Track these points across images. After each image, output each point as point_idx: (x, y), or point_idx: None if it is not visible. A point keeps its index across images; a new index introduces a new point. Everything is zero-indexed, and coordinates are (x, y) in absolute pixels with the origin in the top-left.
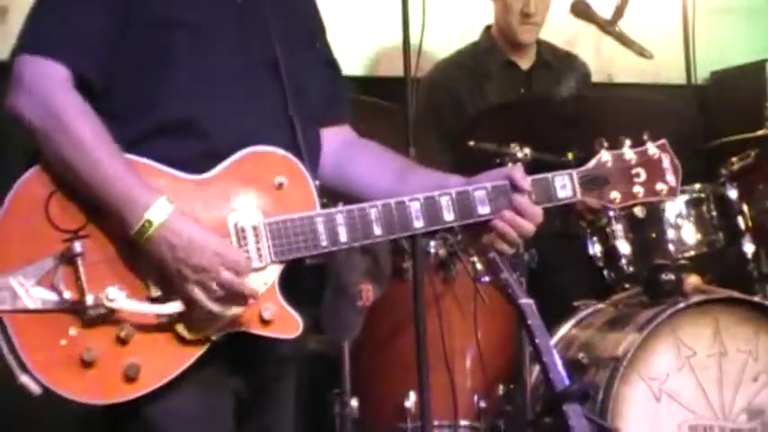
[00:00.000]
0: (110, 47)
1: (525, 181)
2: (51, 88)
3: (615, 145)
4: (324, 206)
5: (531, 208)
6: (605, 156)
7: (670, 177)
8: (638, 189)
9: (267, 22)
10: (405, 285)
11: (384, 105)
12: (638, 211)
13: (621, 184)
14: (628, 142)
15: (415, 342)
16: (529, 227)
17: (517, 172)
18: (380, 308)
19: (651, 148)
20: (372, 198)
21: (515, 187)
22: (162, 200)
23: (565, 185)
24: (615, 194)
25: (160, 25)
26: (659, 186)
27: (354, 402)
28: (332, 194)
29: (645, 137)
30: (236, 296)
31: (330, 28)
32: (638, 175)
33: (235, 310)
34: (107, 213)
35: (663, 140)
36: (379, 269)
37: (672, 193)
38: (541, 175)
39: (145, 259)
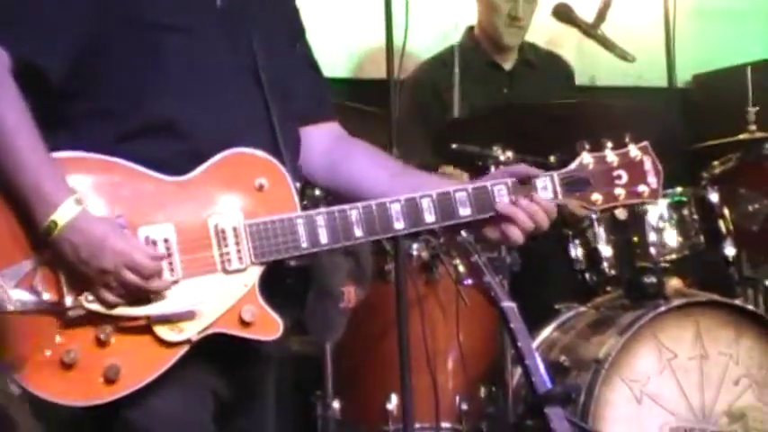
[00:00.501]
0: (72, 37)
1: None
2: None
3: (597, 147)
4: (305, 208)
5: (544, 201)
6: (587, 158)
7: (652, 179)
8: (619, 191)
9: (247, 25)
10: (387, 287)
11: (366, 110)
12: (620, 213)
13: (603, 186)
14: (609, 144)
15: (398, 344)
16: (543, 217)
17: (522, 169)
18: (363, 310)
19: (633, 150)
20: (367, 197)
21: (523, 181)
22: (70, 201)
23: (546, 187)
24: (597, 196)
25: (145, 26)
26: (641, 188)
27: (337, 404)
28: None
29: (626, 139)
30: (144, 295)
31: (313, 30)
32: (619, 177)
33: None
34: (19, 204)
35: (645, 143)
36: (362, 271)
37: (653, 195)
38: (524, 176)
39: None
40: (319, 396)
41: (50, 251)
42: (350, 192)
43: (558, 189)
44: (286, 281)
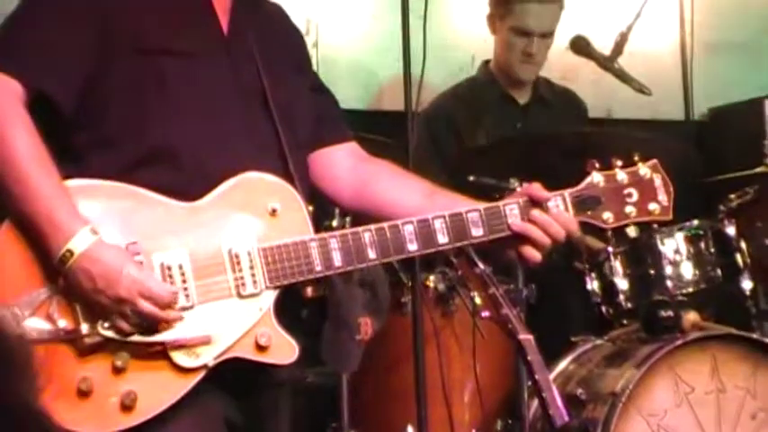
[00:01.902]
0: (81, 67)
1: (542, 193)
2: None
3: (606, 166)
4: (311, 214)
5: (562, 215)
6: (597, 177)
7: (662, 197)
8: (630, 209)
9: (254, 54)
10: (404, 319)
11: (382, 141)
12: (631, 231)
13: (614, 204)
14: (619, 163)
15: (414, 376)
16: (558, 230)
17: (534, 188)
18: (380, 341)
19: (642, 168)
20: (398, 217)
21: (535, 200)
22: (85, 230)
23: (558, 206)
24: (608, 215)
25: (152, 54)
26: (652, 206)
27: None
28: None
29: (636, 157)
30: (159, 323)
31: (332, 62)
32: (630, 195)
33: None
34: (32, 232)
35: (654, 160)
36: (379, 303)
37: (665, 212)
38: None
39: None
40: (335, 428)
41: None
42: (381, 213)
43: (570, 208)
44: (302, 312)
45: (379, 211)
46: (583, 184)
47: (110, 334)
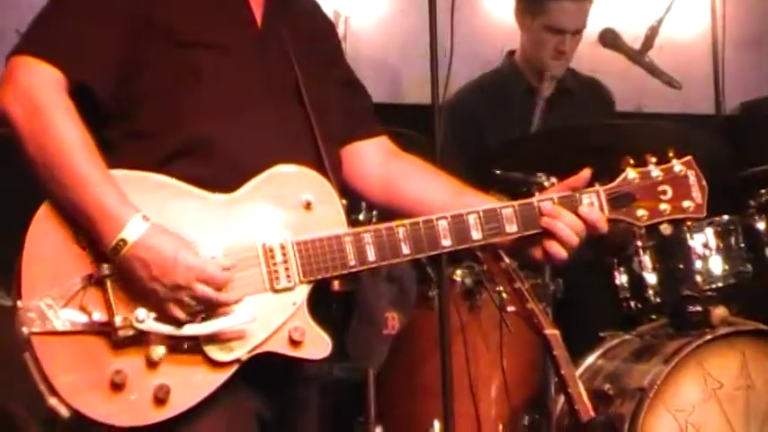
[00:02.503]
0: (118, 58)
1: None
2: (40, 88)
3: (641, 162)
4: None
5: (592, 214)
6: (631, 173)
7: (696, 194)
8: (664, 206)
9: (287, 48)
10: (431, 314)
11: (408, 134)
12: (665, 229)
13: (648, 201)
14: (653, 159)
15: (441, 370)
16: (583, 230)
17: (570, 181)
18: (406, 336)
19: (677, 165)
20: (426, 215)
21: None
22: (137, 217)
23: (593, 203)
24: (642, 212)
25: (185, 45)
26: (686, 204)
27: (379, 430)
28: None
29: (670, 153)
30: (215, 308)
31: (360, 56)
32: (664, 192)
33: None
34: (80, 221)
35: (688, 157)
36: (405, 298)
37: (698, 210)
38: (569, 193)
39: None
40: (361, 422)
41: (101, 270)
42: (409, 211)
43: (605, 205)
44: (329, 306)
45: (408, 208)
46: (617, 181)
47: (143, 327)
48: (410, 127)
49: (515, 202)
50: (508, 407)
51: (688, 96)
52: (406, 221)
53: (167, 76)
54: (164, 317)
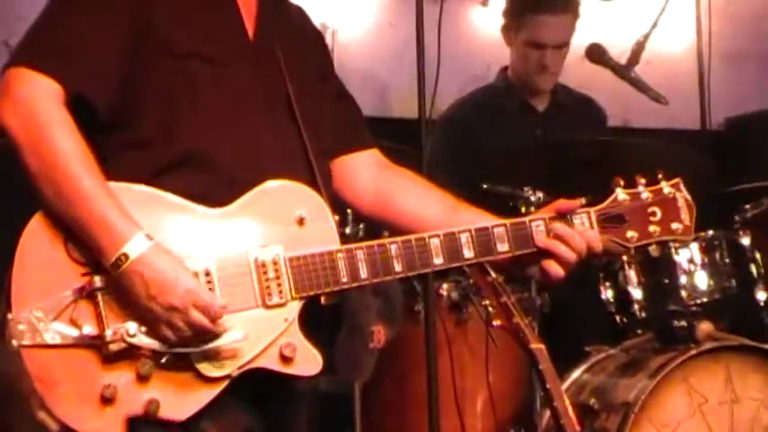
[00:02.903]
0: (115, 68)
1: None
2: (38, 101)
3: (630, 183)
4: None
5: (587, 231)
6: (621, 194)
7: (684, 216)
8: (653, 228)
9: (279, 60)
10: (417, 327)
11: (395, 148)
12: (653, 250)
13: (638, 222)
14: (643, 181)
15: (427, 385)
16: (583, 247)
17: (561, 202)
18: (392, 349)
19: (666, 187)
20: (421, 230)
21: (562, 214)
22: (140, 235)
23: (583, 223)
24: (632, 233)
25: (182, 57)
26: (674, 225)
27: None
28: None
29: (659, 176)
30: (205, 335)
31: (347, 69)
32: (653, 213)
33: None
34: (82, 235)
35: (677, 179)
36: (392, 311)
37: (687, 232)
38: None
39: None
40: None
41: (92, 283)
42: (402, 225)
43: (595, 225)
44: (316, 320)
45: (400, 222)
46: (607, 202)
47: (135, 341)
48: (397, 141)
49: (507, 221)
50: (494, 421)
51: (674, 111)
52: (398, 239)
53: (163, 87)
54: (154, 335)
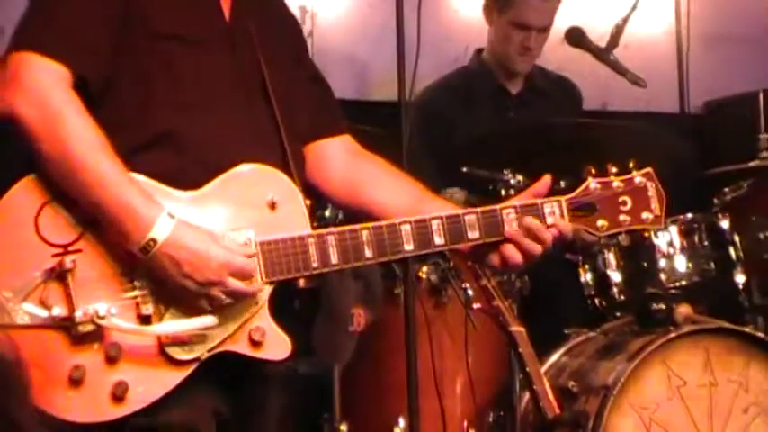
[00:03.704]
0: (108, 52)
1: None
2: (51, 88)
3: (601, 172)
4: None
5: (559, 223)
6: (593, 183)
7: (655, 206)
8: (624, 217)
9: (254, 44)
10: (396, 310)
11: (373, 131)
12: (623, 239)
13: (608, 211)
14: (614, 170)
15: (406, 367)
16: (549, 238)
17: (533, 189)
18: (372, 332)
19: (637, 177)
20: (390, 218)
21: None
22: (164, 215)
23: (554, 212)
24: (602, 222)
25: (162, 39)
26: (645, 215)
27: (344, 427)
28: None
29: (631, 165)
30: (246, 298)
31: (327, 52)
32: (624, 203)
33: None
34: (104, 221)
35: (648, 169)
36: (372, 294)
37: (656, 221)
38: (531, 201)
39: (141, 275)
40: (327, 419)
41: (63, 264)
42: (370, 213)
43: (566, 214)
44: (294, 303)
45: (367, 210)
46: (579, 191)
47: (104, 323)
48: (377, 124)
49: (479, 209)
50: (473, 404)
51: (653, 95)
52: (370, 225)
53: (140, 67)
54: (190, 309)
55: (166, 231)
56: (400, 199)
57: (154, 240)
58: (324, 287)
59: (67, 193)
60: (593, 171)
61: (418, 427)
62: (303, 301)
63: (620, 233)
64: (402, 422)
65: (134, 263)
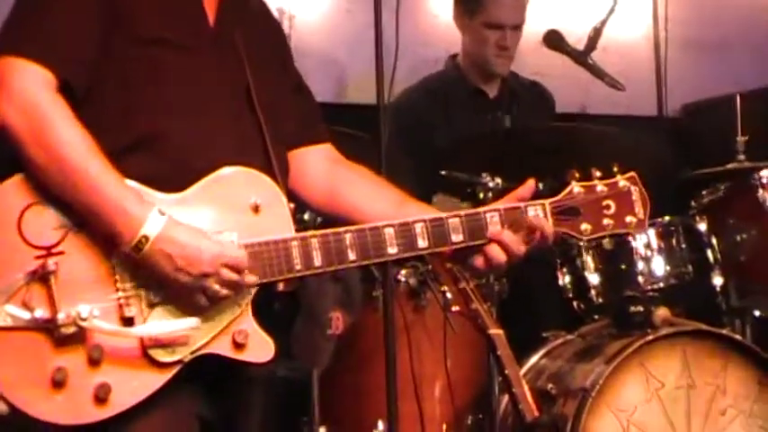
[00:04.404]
0: (93, 56)
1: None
2: (38, 94)
3: (586, 176)
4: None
5: (541, 224)
6: (576, 187)
7: (638, 210)
8: (607, 221)
9: (239, 49)
10: (375, 314)
11: (353, 134)
12: (607, 243)
13: (592, 215)
14: (598, 174)
15: (385, 371)
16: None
17: (517, 193)
18: (351, 336)
19: (621, 181)
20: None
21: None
22: (154, 212)
23: (537, 215)
24: (586, 226)
25: (147, 43)
26: (628, 219)
27: (323, 430)
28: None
29: (615, 169)
30: (240, 290)
31: (305, 54)
32: (607, 207)
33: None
34: (95, 222)
35: (632, 173)
36: (351, 297)
37: (640, 225)
38: (515, 204)
39: (125, 277)
40: (305, 422)
41: (45, 266)
42: (350, 219)
43: (549, 218)
44: (273, 305)
45: (349, 216)
46: (562, 195)
47: (86, 324)
48: (355, 127)
49: (462, 212)
50: (452, 406)
51: (632, 98)
52: (354, 228)
53: (124, 71)
54: (185, 307)
55: (158, 228)
56: (379, 204)
57: (146, 237)
58: (303, 290)
59: (58, 197)
60: (576, 175)
61: (397, 430)
62: (282, 304)
63: (603, 237)
64: (381, 425)
65: (118, 265)
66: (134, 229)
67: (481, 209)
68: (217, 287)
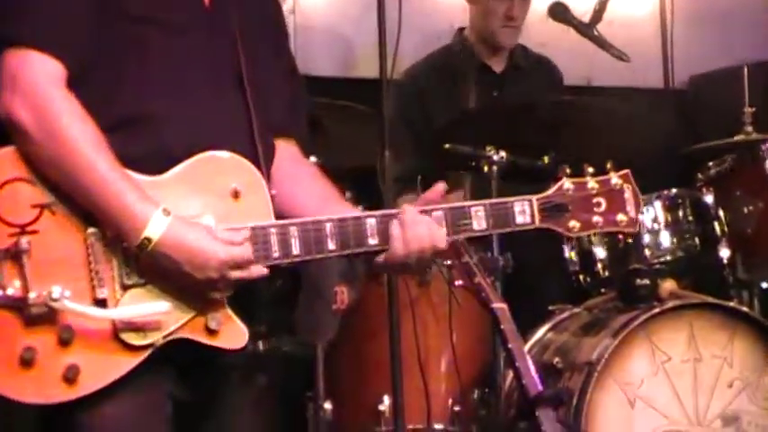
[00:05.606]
0: (90, 40)
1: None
2: (47, 89)
3: (577, 173)
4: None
5: (431, 228)
6: (567, 184)
7: (630, 208)
8: (597, 219)
9: (234, 30)
10: (380, 288)
11: (357, 109)
12: (594, 239)
13: (581, 212)
14: (590, 170)
15: (390, 345)
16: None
17: (433, 193)
18: (355, 311)
19: (613, 178)
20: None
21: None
22: (158, 213)
23: (524, 211)
24: (574, 223)
25: (137, 21)
26: (619, 217)
27: (328, 405)
28: None
29: (608, 166)
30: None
31: (309, 29)
32: (598, 204)
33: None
34: (104, 221)
35: (626, 171)
36: (355, 272)
37: (631, 224)
38: (502, 200)
39: (100, 259)
40: (310, 397)
41: (19, 244)
42: (283, 212)
43: (536, 213)
44: (277, 282)
45: (280, 211)
46: (551, 191)
47: (57, 305)
48: (360, 101)
49: (378, 212)
50: (458, 381)
51: (637, 70)
52: (336, 217)
53: (114, 49)
54: (159, 291)
55: (161, 230)
56: (306, 201)
57: (148, 239)
58: (306, 266)
59: (70, 195)
60: (567, 171)
61: (402, 405)
62: (286, 280)
63: (592, 234)
64: (386, 400)
65: (92, 246)
66: (137, 230)
67: (394, 209)
68: (225, 287)
